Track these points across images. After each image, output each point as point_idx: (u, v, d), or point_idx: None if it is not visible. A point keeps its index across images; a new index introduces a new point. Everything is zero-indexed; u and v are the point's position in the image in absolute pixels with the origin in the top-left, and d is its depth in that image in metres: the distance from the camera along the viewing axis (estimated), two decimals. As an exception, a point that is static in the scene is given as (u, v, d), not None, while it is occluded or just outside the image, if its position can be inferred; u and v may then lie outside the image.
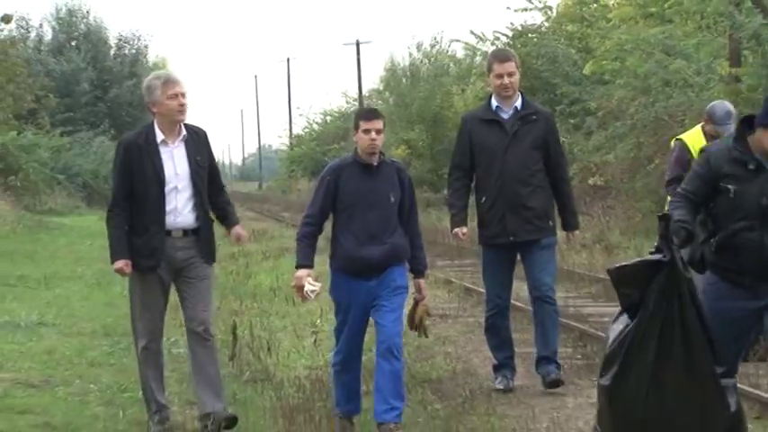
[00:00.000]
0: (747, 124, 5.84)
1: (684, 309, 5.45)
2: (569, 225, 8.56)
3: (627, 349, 5.53)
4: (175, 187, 7.32)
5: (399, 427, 7.09)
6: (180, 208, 7.34)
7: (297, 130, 75.74)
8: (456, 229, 8.40)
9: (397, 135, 42.91)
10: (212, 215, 7.65)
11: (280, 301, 13.84)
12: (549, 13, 33.98)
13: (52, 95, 39.93)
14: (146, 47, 64.84)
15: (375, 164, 7.18)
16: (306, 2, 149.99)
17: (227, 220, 7.76)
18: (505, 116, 8.25)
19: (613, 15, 28.92)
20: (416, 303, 7.53)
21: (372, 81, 59.10)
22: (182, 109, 7.31)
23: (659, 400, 5.44)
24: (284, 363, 9.78)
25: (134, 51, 63.30)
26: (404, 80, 48.19)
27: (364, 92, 58.32)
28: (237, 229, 7.75)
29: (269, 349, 10.19)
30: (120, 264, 7.26)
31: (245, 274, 17.88)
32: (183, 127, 7.40)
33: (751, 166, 5.71)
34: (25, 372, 9.53)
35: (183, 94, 7.32)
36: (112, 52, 62.09)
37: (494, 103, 8.33)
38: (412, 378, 9.31)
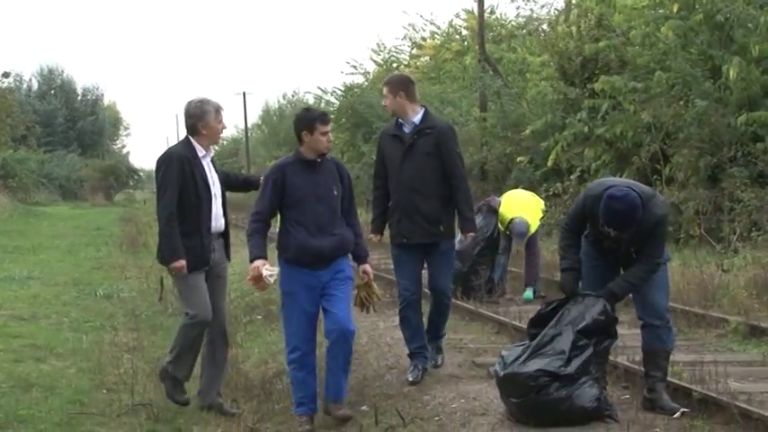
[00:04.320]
0: None
1: None
2: (463, 228, 6.32)
3: None
4: (215, 194, 5.71)
5: (345, 403, 5.36)
6: (218, 213, 5.71)
7: (204, 150, 74.75)
8: (371, 236, 6.45)
9: (271, 153, 42.95)
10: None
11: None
12: (367, 75, 34.25)
13: (37, 126, 39.46)
14: (102, 94, 63.71)
15: (319, 160, 5.36)
16: (209, 63, 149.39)
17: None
18: (407, 131, 6.22)
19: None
20: (362, 285, 5.64)
21: (254, 118, 58.68)
22: (222, 131, 5.90)
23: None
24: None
25: (94, 97, 61.88)
26: (274, 118, 47.76)
27: (248, 125, 57.64)
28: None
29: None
30: (181, 263, 5.51)
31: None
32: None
33: None
34: (18, 309, 9.23)
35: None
36: (79, 98, 60.47)
37: (400, 120, 6.30)
38: (280, 311, 9.20)
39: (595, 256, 5.17)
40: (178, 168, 5.54)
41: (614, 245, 5.01)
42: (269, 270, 5.22)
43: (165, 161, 5.62)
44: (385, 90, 6.31)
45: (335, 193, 5.36)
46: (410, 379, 6.13)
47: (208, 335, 5.72)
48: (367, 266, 5.56)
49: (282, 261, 5.36)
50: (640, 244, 4.98)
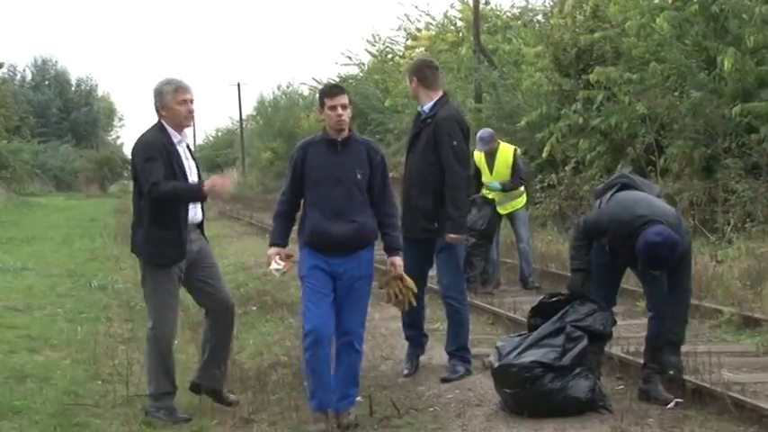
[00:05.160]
0: None
1: None
2: (445, 227, 5.71)
3: None
4: (193, 183, 5.23)
5: (352, 411, 5.04)
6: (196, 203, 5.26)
7: (199, 140, 74.62)
8: None
9: (265, 144, 42.96)
10: None
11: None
12: (363, 67, 34.24)
13: (31, 117, 39.51)
14: (96, 85, 63.68)
15: (340, 139, 4.92)
16: (204, 53, 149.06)
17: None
18: (419, 119, 5.87)
19: (402, 69, 29.22)
20: (391, 279, 5.11)
21: (248, 109, 58.49)
22: (189, 115, 5.20)
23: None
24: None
25: (88, 88, 61.79)
26: (269, 108, 47.60)
27: (243, 116, 57.45)
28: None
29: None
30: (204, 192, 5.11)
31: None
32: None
33: None
34: (12, 300, 9.20)
35: (191, 101, 5.21)
36: (73, 88, 60.38)
37: (418, 107, 5.91)
38: (275, 302, 9.22)
39: (603, 254, 5.18)
40: (157, 155, 5.06)
41: (632, 261, 5.06)
42: (276, 264, 4.97)
43: (144, 148, 5.13)
44: (407, 77, 5.98)
45: (359, 176, 4.90)
46: (404, 372, 6.07)
47: (211, 315, 5.37)
48: (397, 259, 5.06)
49: (300, 245, 5.03)
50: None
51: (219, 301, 5.35)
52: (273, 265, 4.96)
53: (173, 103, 5.15)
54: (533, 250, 10.39)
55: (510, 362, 4.98)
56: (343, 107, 4.89)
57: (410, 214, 5.82)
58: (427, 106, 5.80)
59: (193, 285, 5.37)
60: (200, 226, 5.37)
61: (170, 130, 5.18)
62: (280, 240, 5.04)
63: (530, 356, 4.94)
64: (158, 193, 5.02)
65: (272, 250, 5.02)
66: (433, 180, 5.71)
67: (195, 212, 5.27)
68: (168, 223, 5.13)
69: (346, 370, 4.98)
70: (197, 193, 5.14)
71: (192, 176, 5.24)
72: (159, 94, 5.18)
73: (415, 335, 6.15)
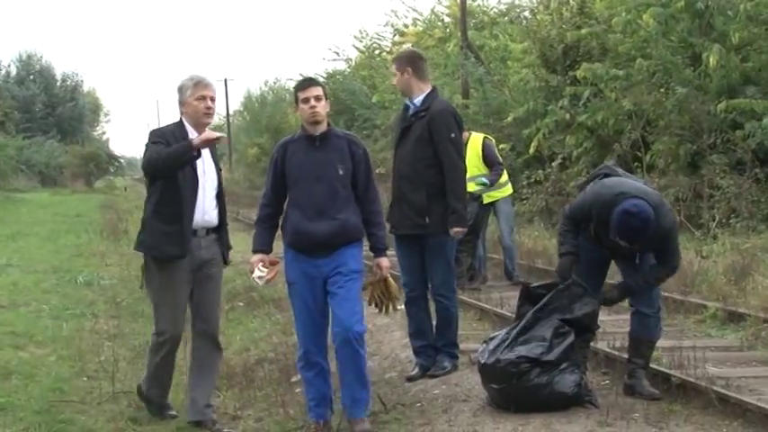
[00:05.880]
0: None
1: None
2: (449, 222, 5.56)
3: None
4: (203, 185, 4.96)
5: (367, 420, 4.81)
6: (207, 206, 4.99)
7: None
8: None
9: (252, 140, 42.96)
10: None
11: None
12: (350, 62, 34.24)
13: (16, 112, 39.16)
14: (81, 80, 63.38)
15: (318, 134, 4.76)
16: (191, 49, 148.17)
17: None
18: (409, 113, 5.70)
19: (390, 65, 29.22)
20: (375, 282, 5.00)
21: (235, 104, 58.25)
22: (208, 112, 5.00)
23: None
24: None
25: (73, 83, 61.46)
26: (256, 104, 47.56)
27: (230, 111, 57.31)
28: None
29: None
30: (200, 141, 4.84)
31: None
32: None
33: None
34: (-3, 298, 9.13)
35: (212, 98, 5.02)
36: (58, 83, 60.03)
37: (407, 100, 5.77)
38: (261, 299, 9.20)
39: (591, 247, 5.17)
40: (163, 141, 4.89)
41: (617, 246, 4.99)
42: (259, 271, 4.75)
43: (153, 134, 5.00)
44: (393, 67, 5.81)
45: (341, 172, 4.73)
46: (411, 373, 5.86)
47: (193, 341, 5.13)
48: (382, 260, 4.91)
49: (284, 246, 4.84)
50: (644, 250, 5.01)
51: (201, 319, 5.05)
52: (256, 273, 4.76)
53: (192, 98, 5.00)
54: (518, 246, 10.40)
55: (497, 357, 4.99)
56: (317, 99, 4.72)
57: (400, 210, 5.69)
58: (418, 99, 5.67)
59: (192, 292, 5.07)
60: (216, 231, 5.09)
61: (188, 127, 5.00)
62: (263, 246, 4.83)
63: (516, 351, 4.95)
64: (151, 162, 4.83)
65: (255, 257, 4.81)
66: (426, 174, 5.58)
67: (204, 213, 4.98)
68: (169, 216, 4.89)
69: (351, 371, 4.72)
70: (187, 149, 4.80)
71: (206, 177, 5.00)
72: (180, 89, 5.06)
73: (421, 347, 5.85)
